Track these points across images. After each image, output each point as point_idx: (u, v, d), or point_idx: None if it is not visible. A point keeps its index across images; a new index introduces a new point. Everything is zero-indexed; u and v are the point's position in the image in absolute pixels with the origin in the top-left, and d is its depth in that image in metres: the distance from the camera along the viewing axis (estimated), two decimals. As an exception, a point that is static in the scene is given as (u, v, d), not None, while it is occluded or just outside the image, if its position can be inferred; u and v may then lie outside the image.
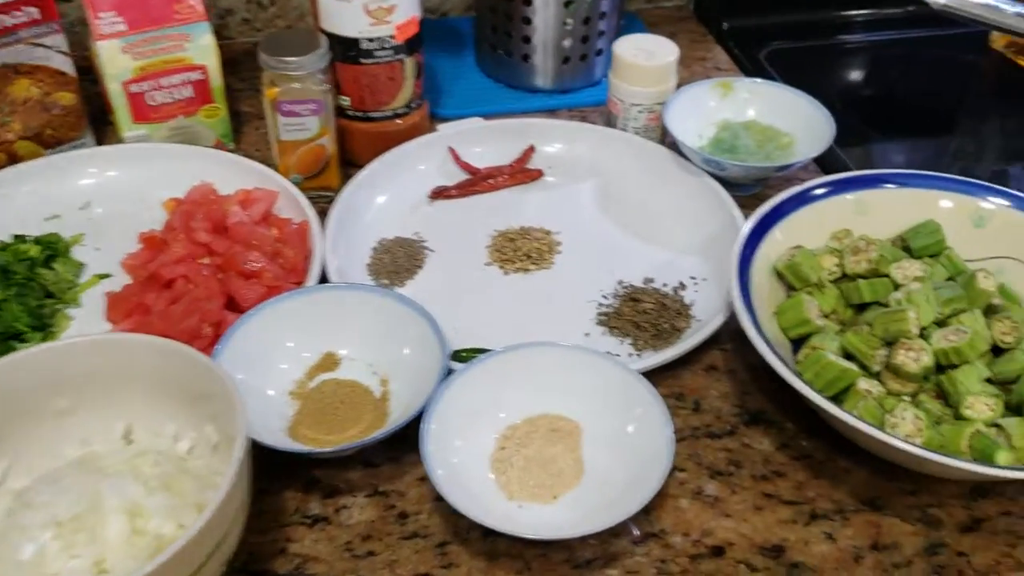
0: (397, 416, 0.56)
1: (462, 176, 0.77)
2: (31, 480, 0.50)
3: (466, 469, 0.52)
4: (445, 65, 0.91)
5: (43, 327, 0.63)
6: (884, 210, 0.65)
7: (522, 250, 0.70)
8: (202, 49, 0.74)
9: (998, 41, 0.96)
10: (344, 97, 0.75)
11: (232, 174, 0.73)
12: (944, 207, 0.64)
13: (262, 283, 0.63)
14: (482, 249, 0.71)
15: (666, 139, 0.77)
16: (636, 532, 0.52)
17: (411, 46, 0.74)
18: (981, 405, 0.54)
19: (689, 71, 0.92)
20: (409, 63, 0.74)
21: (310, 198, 0.71)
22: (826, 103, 0.75)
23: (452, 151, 0.77)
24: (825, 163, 0.80)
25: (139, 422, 0.53)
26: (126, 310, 0.64)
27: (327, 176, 0.74)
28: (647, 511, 0.54)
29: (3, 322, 0.61)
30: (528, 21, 0.83)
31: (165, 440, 0.52)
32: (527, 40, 0.84)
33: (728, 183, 0.74)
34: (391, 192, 0.74)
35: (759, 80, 0.79)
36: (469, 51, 0.92)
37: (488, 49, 0.88)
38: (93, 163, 0.75)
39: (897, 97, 0.94)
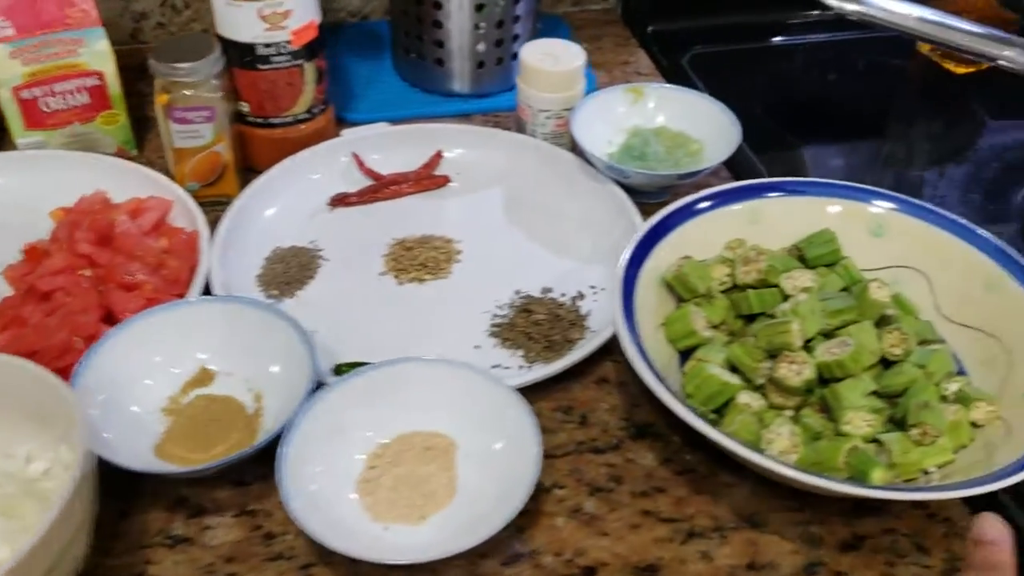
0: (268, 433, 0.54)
1: (367, 183, 0.76)
2: None
3: (328, 493, 0.51)
4: (362, 69, 0.89)
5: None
6: (778, 219, 0.63)
7: (418, 259, 0.68)
8: (97, 55, 0.72)
9: (925, 44, 0.95)
10: (243, 103, 0.73)
11: (128, 182, 0.71)
12: (837, 214, 0.63)
13: (142, 295, 0.61)
14: (378, 258, 0.69)
15: (576, 146, 0.76)
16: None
17: (311, 51, 0.72)
18: (860, 420, 0.53)
19: (610, 76, 0.90)
20: (309, 68, 0.73)
21: (208, 206, 0.70)
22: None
23: (356, 157, 0.76)
24: (741, 171, 0.79)
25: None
26: (2, 323, 0.62)
27: (224, 184, 0.72)
28: (520, 530, 0.53)
29: None
30: (439, 25, 0.81)
31: (16, 462, 0.50)
32: (440, 44, 0.83)
33: (637, 191, 0.72)
34: (288, 200, 0.72)
35: (668, 86, 0.78)
36: (388, 55, 0.90)
37: (403, 53, 0.86)
38: (-20, 171, 0.72)
39: (822, 102, 0.93)
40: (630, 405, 0.60)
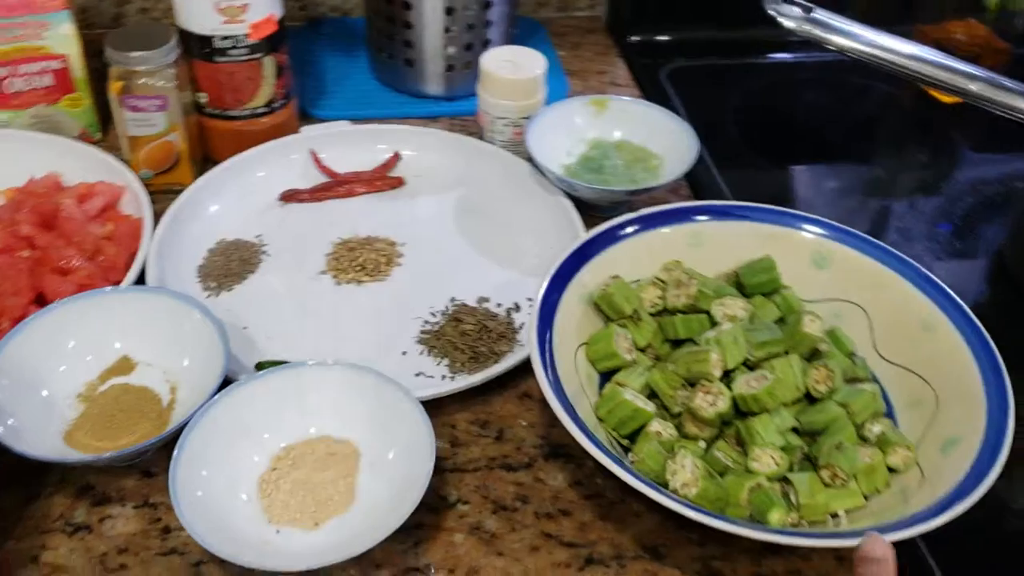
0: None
1: (323, 180, 0.75)
2: None
3: (221, 494, 0.50)
4: (336, 65, 0.89)
5: None
6: (721, 243, 0.62)
7: (358, 260, 0.68)
8: (61, 38, 0.73)
9: (916, 70, 0.92)
10: (201, 94, 0.73)
11: (84, 166, 0.72)
12: (781, 242, 0.61)
13: (75, 281, 0.62)
14: (321, 257, 0.69)
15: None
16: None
17: (271, 44, 0.72)
18: (767, 458, 0.51)
19: (584, 84, 0.89)
20: (268, 62, 0.73)
21: (163, 194, 0.70)
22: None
23: (313, 154, 0.76)
24: (702, 189, 0.77)
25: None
26: (-61, 301, 0.63)
27: (179, 173, 0.73)
28: (416, 544, 0.52)
29: None
30: (409, 25, 0.81)
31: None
32: (410, 45, 0.82)
33: (592, 204, 0.71)
34: (239, 193, 0.72)
35: (631, 99, 0.76)
36: (364, 53, 0.90)
37: (376, 52, 0.86)
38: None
39: (799, 123, 0.90)
40: (548, 423, 0.59)
